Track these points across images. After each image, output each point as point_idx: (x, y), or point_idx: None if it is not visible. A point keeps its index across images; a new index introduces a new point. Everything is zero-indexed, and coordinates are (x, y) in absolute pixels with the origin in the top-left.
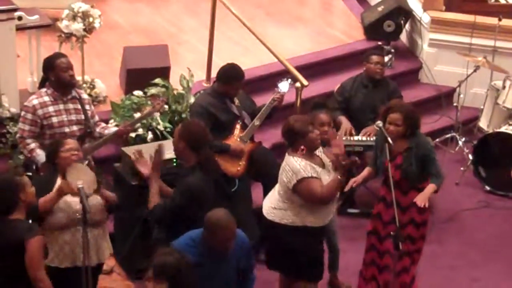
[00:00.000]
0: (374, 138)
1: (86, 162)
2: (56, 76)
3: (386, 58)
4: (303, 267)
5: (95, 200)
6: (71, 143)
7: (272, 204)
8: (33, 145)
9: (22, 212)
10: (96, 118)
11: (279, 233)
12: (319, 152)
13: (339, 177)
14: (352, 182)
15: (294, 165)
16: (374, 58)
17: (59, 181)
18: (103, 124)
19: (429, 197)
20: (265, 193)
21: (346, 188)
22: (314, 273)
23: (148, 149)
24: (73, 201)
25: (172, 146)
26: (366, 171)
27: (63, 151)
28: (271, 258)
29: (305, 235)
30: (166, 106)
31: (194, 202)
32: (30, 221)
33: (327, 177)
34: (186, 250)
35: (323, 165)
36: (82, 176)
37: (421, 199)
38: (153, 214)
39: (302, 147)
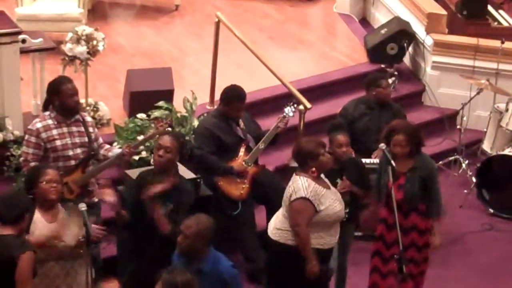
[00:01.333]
0: (378, 160)
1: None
2: (61, 101)
3: (390, 81)
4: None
5: (75, 232)
6: (51, 174)
7: (277, 225)
8: None
9: (16, 229)
10: (100, 140)
11: (283, 254)
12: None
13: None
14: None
15: (298, 183)
16: (385, 82)
17: (37, 212)
18: (107, 146)
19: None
20: (269, 216)
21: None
22: None
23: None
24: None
25: None
26: (375, 208)
27: (43, 182)
28: (274, 278)
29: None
30: (169, 128)
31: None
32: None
33: (332, 196)
34: None
35: (328, 187)
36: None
37: (436, 241)
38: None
39: (313, 169)
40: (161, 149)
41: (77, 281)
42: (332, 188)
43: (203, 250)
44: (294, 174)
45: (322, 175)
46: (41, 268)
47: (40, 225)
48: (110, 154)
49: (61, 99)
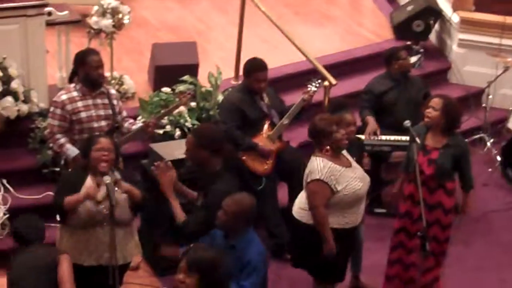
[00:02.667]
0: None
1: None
2: (85, 72)
3: (415, 58)
4: (323, 268)
5: (120, 199)
6: (103, 142)
7: (301, 205)
8: (63, 140)
9: None
10: (124, 113)
11: (306, 233)
12: (345, 151)
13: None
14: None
15: (314, 165)
16: (403, 54)
17: (88, 179)
18: (131, 120)
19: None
20: (290, 193)
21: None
22: (333, 275)
23: (175, 146)
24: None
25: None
26: (401, 180)
27: (94, 150)
28: (297, 256)
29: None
30: (194, 103)
31: None
32: (58, 217)
33: (351, 175)
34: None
35: (349, 165)
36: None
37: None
38: (187, 229)
39: (327, 147)
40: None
41: (130, 249)
42: (354, 165)
43: (240, 229)
44: (312, 155)
45: (345, 152)
46: (86, 235)
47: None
48: (134, 127)
49: (85, 70)
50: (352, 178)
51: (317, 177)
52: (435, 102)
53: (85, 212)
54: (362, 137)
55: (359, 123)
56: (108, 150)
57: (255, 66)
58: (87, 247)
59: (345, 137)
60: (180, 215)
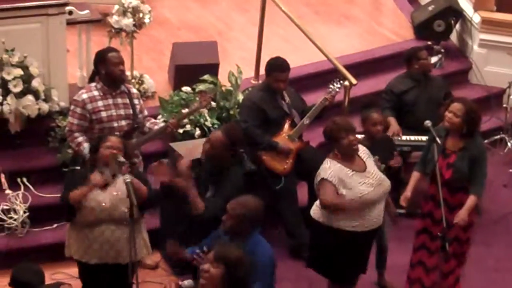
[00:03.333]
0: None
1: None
2: (107, 70)
3: (436, 58)
4: (330, 268)
5: (115, 195)
6: (113, 140)
7: (317, 202)
8: (80, 139)
9: None
10: (145, 112)
11: (315, 230)
12: (366, 155)
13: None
14: (404, 199)
15: (324, 165)
16: (424, 54)
17: (94, 175)
18: (152, 120)
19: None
20: (310, 193)
21: (402, 202)
22: (340, 276)
23: (195, 145)
24: (103, 198)
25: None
26: (414, 179)
27: (103, 147)
28: (310, 256)
29: (336, 237)
30: (214, 103)
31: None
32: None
33: (360, 180)
34: None
35: (363, 169)
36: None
37: (462, 217)
38: (208, 213)
39: (336, 152)
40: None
41: (138, 247)
42: (370, 169)
43: (247, 231)
44: (326, 156)
45: (363, 155)
46: (91, 233)
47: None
48: (156, 127)
49: (106, 68)
50: (361, 183)
51: (324, 177)
52: (457, 108)
53: (90, 209)
54: (411, 137)
55: None
56: (117, 149)
57: (276, 66)
58: (92, 245)
59: (354, 143)
60: (199, 203)
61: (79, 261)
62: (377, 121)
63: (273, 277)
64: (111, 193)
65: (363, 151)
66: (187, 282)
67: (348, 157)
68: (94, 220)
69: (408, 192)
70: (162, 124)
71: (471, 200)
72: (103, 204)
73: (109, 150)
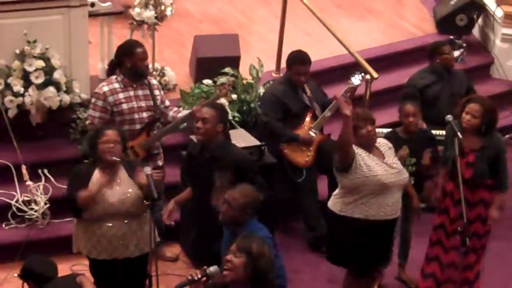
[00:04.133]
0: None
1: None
2: (133, 64)
3: (458, 53)
4: (347, 259)
5: (134, 192)
6: (109, 134)
7: (334, 192)
8: None
9: None
10: (167, 102)
11: (332, 221)
12: (387, 147)
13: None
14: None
15: None
16: (447, 48)
17: (96, 172)
18: (175, 108)
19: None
20: (330, 186)
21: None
22: (357, 267)
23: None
24: (109, 193)
25: (241, 135)
26: (443, 174)
27: (100, 143)
28: (327, 247)
29: (352, 227)
30: (235, 96)
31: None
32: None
33: (375, 160)
34: None
35: (382, 159)
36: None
37: (495, 214)
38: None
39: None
40: (198, 121)
41: (145, 240)
42: (388, 160)
43: (246, 220)
44: None
45: (382, 147)
46: (99, 229)
47: (96, 182)
48: (179, 115)
49: (132, 62)
50: (376, 164)
51: None
52: (475, 109)
53: (97, 205)
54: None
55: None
56: (115, 142)
57: (296, 59)
58: (101, 241)
59: (372, 133)
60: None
61: (88, 257)
62: (410, 113)
63: (278, 259)
64: (116, 189)
65: (383, 143)
66: (213, 268)
67: (366, 147)
68: (102, 215)
69: (437, 193)
70: (186, 112)
71: (500, 197)
72: (111, 199)
73: (106, 145)
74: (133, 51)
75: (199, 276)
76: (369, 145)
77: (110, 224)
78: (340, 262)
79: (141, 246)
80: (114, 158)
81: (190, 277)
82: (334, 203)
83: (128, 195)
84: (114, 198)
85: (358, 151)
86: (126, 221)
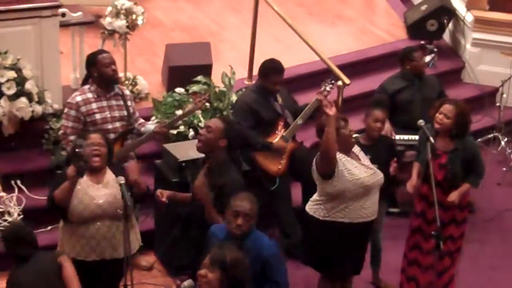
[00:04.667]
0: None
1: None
2: (99, 72)
3: (429, 58)
4: (324, 262)
5: (119, 192)
6: (93, 138)
7: (312, 198)
8: None
9: None
10: (137, 114)
11: (310, 225)
12: (358, 149)
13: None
14: (411, 187)
15: None
16: (417, 54)
17: (85, 176)
18: (140, 120)
19: (463, 194)
20: (304, 193)
21: (410, 190)
22: (333, 270)
23: (188, 146)
24: (96, 195)
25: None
26: (417, 168)
27: (85, 146)
28: (305, 252)
29: (332, 231)
30: (207, 104)
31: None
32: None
33: (354, 163)
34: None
35: (358, 161)
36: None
37: (454, 198)
38: None
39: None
40: (203, 128)
41: (134, 241)
42: (364, 162)
43: (252, 228)
44: None
45: (357, 151)
46: (87, 230)
47: (85, 185)
48: (142, 129)
49: (98, 69)
50: (356, 167)
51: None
52: (448, 109)
53: (83, 206)
54: (405, 136)
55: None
56: (99, 145)
57: (273, 69)
58: (89, 242)
59: (352, 134)
60: (215, 213)
61: (75, 259)
62: (379, 118)
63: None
64: (104, 190)
65: (355, 147)
66: (187, 282)
67: (345, 150)
68: (89, 216)
69: (413, 180)
70: (150, 126)
71: (465, 186)
72: (99, 201)
73: (91, 148)
74: (96, 59)
75: None
76: (349, 148)
77: (99, 225)
78: (319, 266)
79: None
80: (99, 163)
81: None
82: (315, 209)
83: (117, 196)
84: (101, 200)
85: (339, 156)
86: (114, 222)
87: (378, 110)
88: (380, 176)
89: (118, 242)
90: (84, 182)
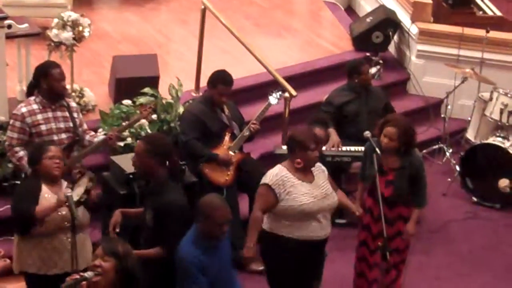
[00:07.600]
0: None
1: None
2: (49, 85)
3: (374, 69)
4: (271, 276)
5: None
6: (54, 150)
7: None
8: (22, 153)
9: None
10: (85, 126)
11: (261, 238)
12: (320, 170)
13: None
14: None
15: (271, 170)
16: (364, 68)
17: (44, 188)
18: (92, 133)
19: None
20: (251, 204)
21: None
22: (281, 284)
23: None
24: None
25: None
26: (361, 189)
27: (46, 158)
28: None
29: (282, 246)
30: (155, 116)
31: (183, 218)
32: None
33: (304, 190)
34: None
35: (311, 181)
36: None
37: (412, 229)
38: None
39: (298, 160)
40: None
41: (83, 254)
42: (317, 182)
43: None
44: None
45: (316, 169)
46: (51, 243)
47: (49, 196)
48: (95, 140)
49: (49, 83)
50: (303, 194)
51: (266, 182)
52: (391, 132)
53: (51, 221)
54: (351, 148)
55: None
56: (59, 158)
57: (222, 79)
58: (52, 256)
59: (316, 158)
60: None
61: (35, 274)
62: (319, 138)
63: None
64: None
65: (318, 166)
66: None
67: (304, 170)
68: (54, 229)
69: (359, 208)
70: (102, 137)
71: (415, 213)
72: (62, 212)
73: (53, 161)
74: (49, 72)
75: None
76: (308, 169)
77: (61, 237)
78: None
79: (88, 258)
80: (59, 176)
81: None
82: (265, 222)
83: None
84: (64, 211)
85: (284, 180)
86: (75, 233)
87: (318, 128)
88: (332, 200)
89: (80, 253)
90: (46, 193)
